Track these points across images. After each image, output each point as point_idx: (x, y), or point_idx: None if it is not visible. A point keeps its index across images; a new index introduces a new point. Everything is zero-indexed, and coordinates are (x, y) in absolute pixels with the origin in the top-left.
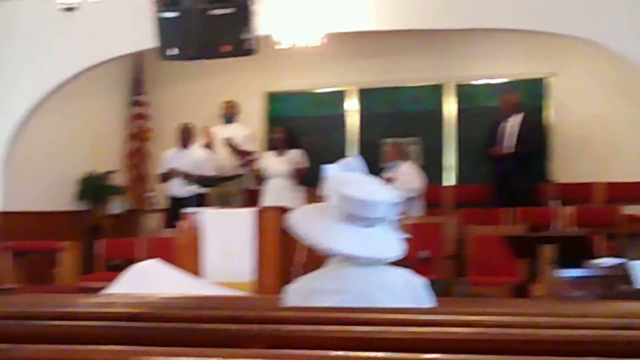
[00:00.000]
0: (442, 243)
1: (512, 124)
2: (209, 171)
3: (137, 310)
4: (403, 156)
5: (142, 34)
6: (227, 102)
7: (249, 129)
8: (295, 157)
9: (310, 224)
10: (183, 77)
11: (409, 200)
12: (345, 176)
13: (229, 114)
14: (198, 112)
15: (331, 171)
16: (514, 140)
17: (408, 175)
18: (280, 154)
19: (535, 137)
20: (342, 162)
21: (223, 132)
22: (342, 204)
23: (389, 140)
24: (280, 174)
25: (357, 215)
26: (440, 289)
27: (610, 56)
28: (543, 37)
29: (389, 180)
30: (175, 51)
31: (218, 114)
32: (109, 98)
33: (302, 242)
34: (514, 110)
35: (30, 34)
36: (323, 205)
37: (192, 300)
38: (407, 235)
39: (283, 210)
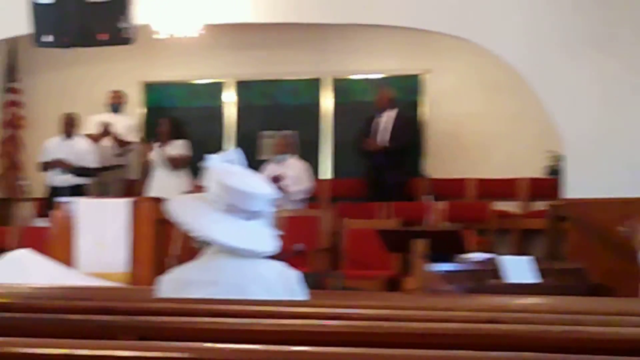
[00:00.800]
0: (317, 236)
1: (386, 120)
2: (91, 162)
3: (6, 301)
4: (290, 149)
5: (17, 20)
6: (114, 92)
7: (132, 120)
8: (179, 147)
9: (190, 212)
10: (59, 65)
11: (299, 199)
12: (227, 167)
13: (115, 104)
14: (74, 100)
15: (213, 162)
16: (387, 136)
17: (299, 172)
18: (164, 145)
19: (408, 132)
20: (224, 153)
21: (107, 120)
22: (223, 195)
23: (267, 133)
24: (163, 165)
25: (237, 206)
26: (314, 282)
27: (483, 55)
28: (419, 34)
29: (275, 180)
30: (51, 38)
31: (104, 102)
32: None
33: (181, 229)
34: (389, 105)
35: None
36: (203, 195)
37: (63, 290)
38: (281, 232)
39: (158, 201)
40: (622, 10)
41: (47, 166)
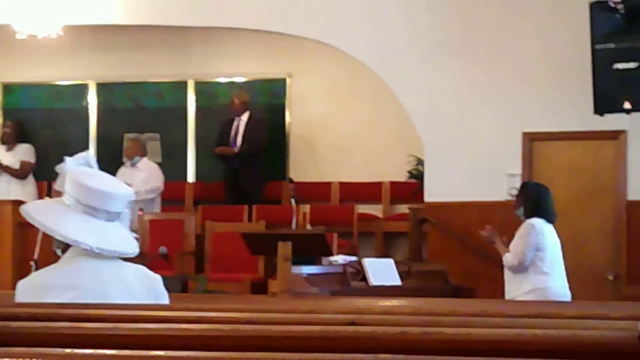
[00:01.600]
0: (182, 239)
1: (239, 123)
2: None
3: None
4: (142, 152)
5: None
6: None
7: None
8: (23, 150)
9: (49, 214)
10: None
11: (150, 199)
12: (84, 169)
13: None
14: None
15: (69, 164)
16: (240, 139)
17: (149, 173)
18: (9, 148)
19: (260, 135)
20: (78, 156)
21: None
22: (82, 196)
23: (130, 135)
24: (6, 167)
25: (97, 207)
26: (179, 285)
27: (344, 59)
28: (282, 38)
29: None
30: None
31: None
32: None
33: (41, 232)
34: (242, 109)
35: None
36: (60, 199)
37: None
38: (136, 235)
39: (18, 204)
40: (476, 16)
41: None
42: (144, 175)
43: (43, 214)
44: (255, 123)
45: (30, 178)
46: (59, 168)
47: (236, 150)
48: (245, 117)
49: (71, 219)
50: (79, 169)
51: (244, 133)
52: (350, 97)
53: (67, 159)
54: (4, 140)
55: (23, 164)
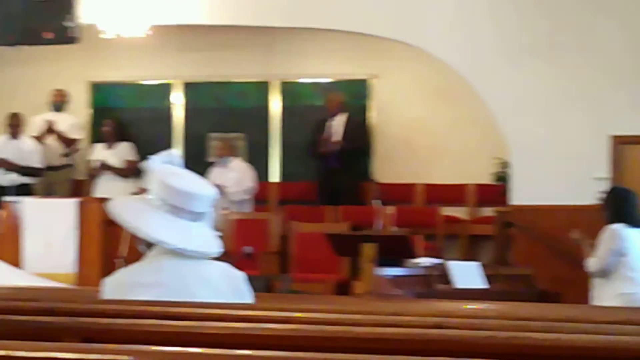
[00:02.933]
0: (267, 239)
1: (337, 123)
2: (36, 162)
3: None
4: (233, 152)
5: None
6: (57, 90)
7: (76, 118)
8: (124, 149)
9: (134, 213)
10: (4, 64)
11: (242, 200)
12: (169, 168)
13: (58, 102)
14: (20, 100)
15: (155, 163)
16: (339, 139)
17: (242, 173)
18: (109, 147)
19: (360, 136)
20: (164, 154)
21: (50, 119)
22: (167, 196)
23: (215, 135)
24: (113, 167)
25: (180, 207)
26: (263, 285)
27: (430, 61)
28: (368, 39)
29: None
30: None
31: (47, 101)
32: None
33: (127, 230)
34: (339, 109)
35: None
36: (146, 197)
37: (7, 290)
38: (221, 234)
39: (106, 202)
40: (563, 19)
41: None
42: (236, 175)
43: (128, 212)
44: (353, 123)
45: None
46: (145, 166)
47: (337, 149)
48: (341, 117)
49: (155, 218)
50: (165, 169)
51: (344, 133)
52: (435, 98)
53: (153, 157)
54: (104, 138)
55: (129, 163)
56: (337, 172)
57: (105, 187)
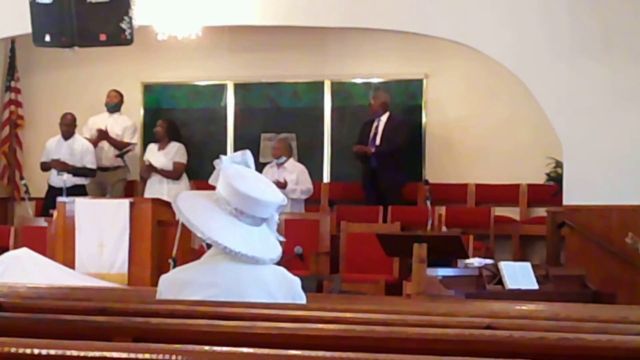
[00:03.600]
0: (317, 239)
1: (379, 124)
2: (89, 163)
3: (2, 300)
4: (289, 152)
5: (17, 19)
6: (112, 91)
7: (130, 120)
8: (175, 150)
9: (198, 212)
10: (59, 65)
11: (299, 200)
12: (239, 170)
13: (113, 103)
14: (74, 100)
15: (225, 163)
16: (379, 140)
17: (298, 174)
18: (161, 147)
19: (400, 136)
20: (235, 154)
21: (104, 121)
22: (233, 199)
23: (267, 135)
24: (161, 167)
25: (245, 212)
26: (313, 285)
27: (480, 59)
28: (419, 38)
29: (279, 186)
30: (49, 38)
31: (103, 102)
32: None
33: (186, 228)
34: (382, 109)
35: None
36: (211, 193)
37: (60, 290)
38: (283, 239)
39: (157, 202)
40: (615, 16)
41: (47, 166)
42: (292, 176)
43: (190, 210)
44: (394, 123)
45: (184, 177)
46: (215, 164)
47: (372, 150)
48: (384, 117)
49: (216, 218)
50: (234, 170)
51: (383, 133)
52: (487, 97)
53: (224, 157)
54: (157, 138)
55: (176, 165)
56: (378, 172)
57: (155, 188)
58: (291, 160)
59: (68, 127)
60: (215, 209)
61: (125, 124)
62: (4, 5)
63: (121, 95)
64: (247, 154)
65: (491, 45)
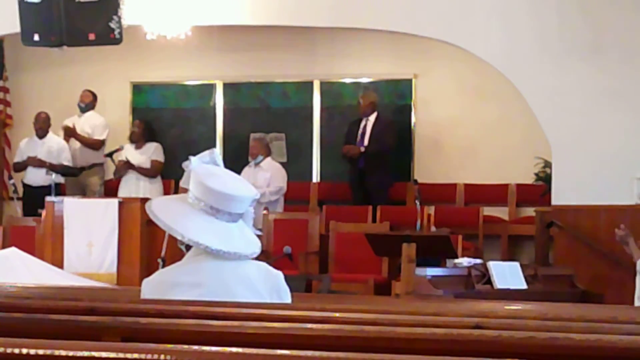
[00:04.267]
0: (306, 239)
1: (367, 124)
2: (66, 160)
3: None
4: (265, 151)
5: (6, 18)
6: (85, 91)
7: (100, 118)
8: (153, 149)
9: (172, 214)
10: (48, 64)
11: (275, 199)
12: (209, 169)
13: (84, 104)
14: (61, 100)
15: (195, 163)
16: (367, 140)
17: (272, 173)
18: (138, 147)
19: (388, 136)
20: (206, 153)
21: (78, 121)
22: (205, 197)
23: (257, 135)
24: (137, 166)
25: (219, 209)
26: (302, 285)
27: (471, 60)
28: (408, 38)
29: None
30: (38, 37)
31: (77, 102)
32: None
33: (165, 231)
34: (371, 109)
35: None
36: (184, 196)
37: (48, 290)
38: (260, 232)
39: (146, 202)
40: (605, 17)
41: (20, 166)
42: (267, 175)
43: (166, 213)
44: (383, 124)
45: (158, 176)
46: (185, 165)
47: (362, 149)
48: (372, 117)
49: (193, 219)
50: (204, 169)
51: (371, 133)
52: (476, 98)
53: (193, 157)
54: (133, 138)
55: (153, 163)
56: (366, 172)
57: (130, 186)
58: (268, 159)
59: (42, 125)
60: (190, 209)
61: (95, 122)
62: None
63: (94, 95)
64: (215, 153)
65: (480, 46)
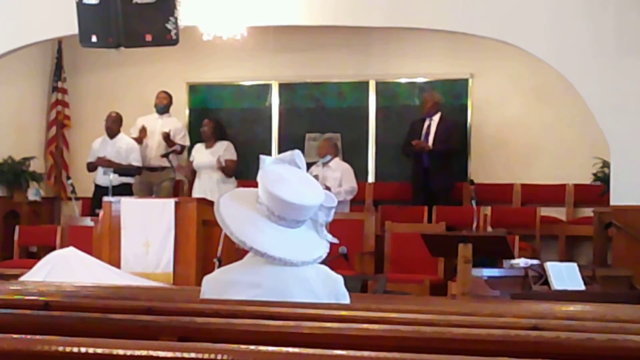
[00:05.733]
0: (362, 239)
1: (431, 124)
2: (135, 160)
3: (49, 299)
4: (334, 151)
5: (64, 20)
6: (161, 92)
7: (180, 122)
8: (222, 148)
9: (236, 217)
10: (105, 65)
11: (344, 200)
12: (280, 173)
13: (162, 105)
14: (120, 100)
15: (266, 164)
16: (432, 139)
17: (343, 173)
18: (208, 146)
19: (453, 137)
20: (285, 154)
21: (154, 122)
22: (270, 203)
23: (313, 135)
24: (208, 166)
25: (283, 216)
26: (358, 285)
27: (527, 59)
28: (464, 38)
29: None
30: (95, 38)
31: (148, 102)
32: (30, 83)
33: (229, 236)
34: (434, 109)
35: None
36: (253, 195)
37: (106, 290)
38: (332, 239)
39: (203, 202)
40: None
41: (92, 166)
42: (337, 175)
43: (231, 219)
44: (447, 124)
45: (233, 176)
46: (260, 164)
47: (430, 147)
48: (436, 117)
49: (256, 225)
50: (273, 174)
51: (436, 133)
52: (533, 98)
53: (266, 157)
54: (203, 138)
55: (227, 162)
56: (430, 172)
57: (204, 186)
58: (336, 159)
59: (112, 125)
60: (254, 213)
61: (176, 126)
62: (51, 6)
63: (170, 97)
64: (296, 154)
65: (537, 45)
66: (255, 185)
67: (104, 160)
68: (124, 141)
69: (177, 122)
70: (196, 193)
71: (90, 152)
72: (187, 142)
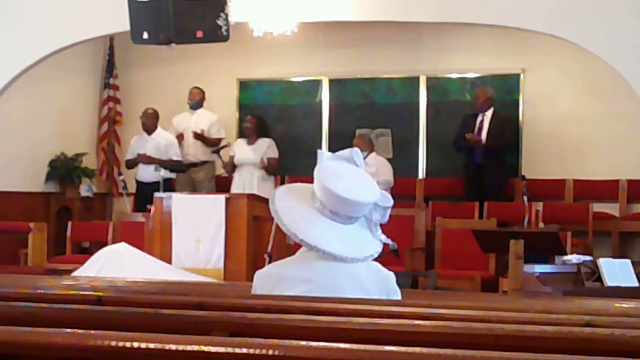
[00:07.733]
0: (413, 235)
1: (484, 119)
2: (175, 155)
3: (101, 294)
4: (369, 147)
5: (115, 17)
6: (194, 88)
7: (214, 115)
8: (264, 146)
9: (291, 213)
10: (156, 62)
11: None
12: (336, 169)
13: (195, 101)
14: (169, 97)
15: (325, 159)
16: (485, 135)
17: (378, 166)
18: (250, 142)
19: (506, 132)
20: (345, 152)
21: (189, 119)
22: (325, 199)
23: (363, 131)
24: (250, 162)
25: (337, 212)
26: (409, 281)
27: (579, 53)
28: (515, 33)
29: None
30: (147, 35)
31: (186, 99)
32: (82, 80)
33: (281, 228)
34: (487, 104)
35: (2, 14)
36: (308, 190)
37: (158, 285)
38: (388, 241)
39: (253, 198)
40: None
41: (132, 163)
42: (373, 170)
43: (286, 212)
44: (500, 119)
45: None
46: (318, 159)
47: (484, 142)
48: (489, 113)
49: (311, 221)
50: (330, 169)
51: (489, 129)
52: (585, 92)
53: (324, 152)
54: (245, 134)
55: (270, 161)
56: (483, 168)
57: (243, 182)
58: (372, 154)
59: (147, 121)
60: (309, 209)
61: (211, 120)
62: (103, 4)
63: (203, 92)
64: (355, 152)
65: (588, 39)
66: (303, 180)
67: (145, 156)
68: (163, 136)
69: (211, 115)
70: (235, 188)
71: (129, 149)
72: (223, 134)
